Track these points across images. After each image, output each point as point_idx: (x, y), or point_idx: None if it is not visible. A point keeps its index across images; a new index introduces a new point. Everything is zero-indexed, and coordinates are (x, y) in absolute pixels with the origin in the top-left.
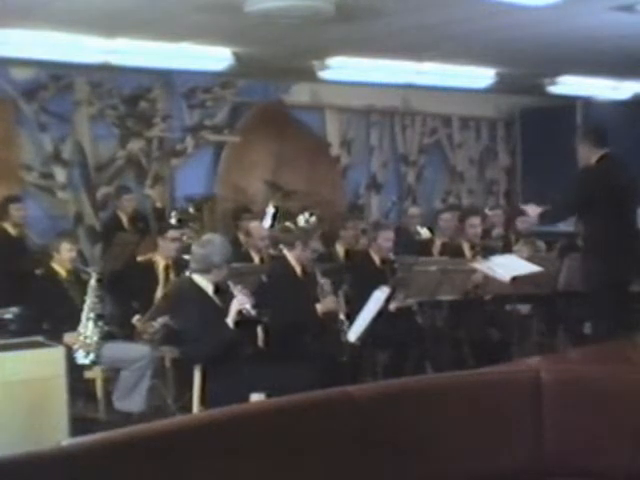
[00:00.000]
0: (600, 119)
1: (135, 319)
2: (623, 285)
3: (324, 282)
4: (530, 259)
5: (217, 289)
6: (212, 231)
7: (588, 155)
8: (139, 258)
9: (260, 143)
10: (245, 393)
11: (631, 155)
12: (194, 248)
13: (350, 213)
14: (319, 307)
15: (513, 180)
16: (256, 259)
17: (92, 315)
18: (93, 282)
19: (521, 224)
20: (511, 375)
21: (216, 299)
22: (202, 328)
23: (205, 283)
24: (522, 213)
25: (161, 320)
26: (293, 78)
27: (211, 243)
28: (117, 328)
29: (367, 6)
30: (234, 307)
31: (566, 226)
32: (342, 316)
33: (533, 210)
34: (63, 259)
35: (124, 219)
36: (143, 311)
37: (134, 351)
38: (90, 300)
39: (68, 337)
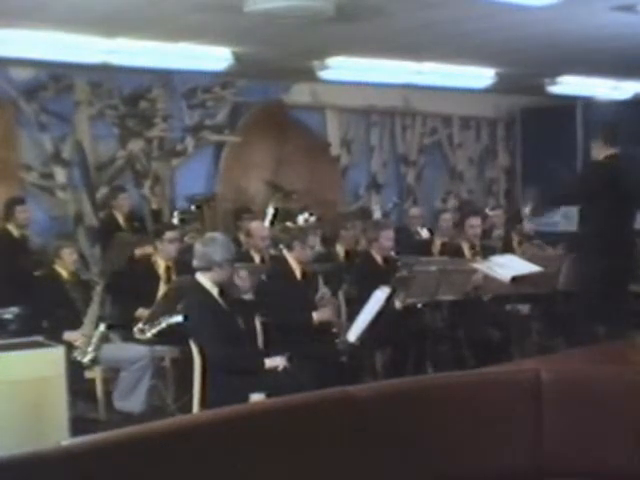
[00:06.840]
0: (613, 119)
1: (138, 312)
2: (620, 285)
3: (325, 291)
4: (531, 259)
5: (222, 291)
6: (213, 231)
7: (598, 152)
8: (137, 252)
9: (260, 143)
10: (245, 393)
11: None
12: (197, 246)
13: (355, 214)
14: (315, 315)
15: (513, 180)
16: (256, 259)
17: (94, 318)
18: (99, 289)
19: (527, 227)
20: (511, 375)
21: (220, 300)
22: (203, 327)
23: (210, 284)
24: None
25: (162, 319)
26: (293, 78)
27: (213, 241)
28: (117, 329)
29: (367, 6)
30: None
31: (567, 226)
32: (336, 330)
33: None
34: (66, 262)
35: (120, 218)
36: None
37: (134, 351)
38: (95, 304)
39: (69, 335)
